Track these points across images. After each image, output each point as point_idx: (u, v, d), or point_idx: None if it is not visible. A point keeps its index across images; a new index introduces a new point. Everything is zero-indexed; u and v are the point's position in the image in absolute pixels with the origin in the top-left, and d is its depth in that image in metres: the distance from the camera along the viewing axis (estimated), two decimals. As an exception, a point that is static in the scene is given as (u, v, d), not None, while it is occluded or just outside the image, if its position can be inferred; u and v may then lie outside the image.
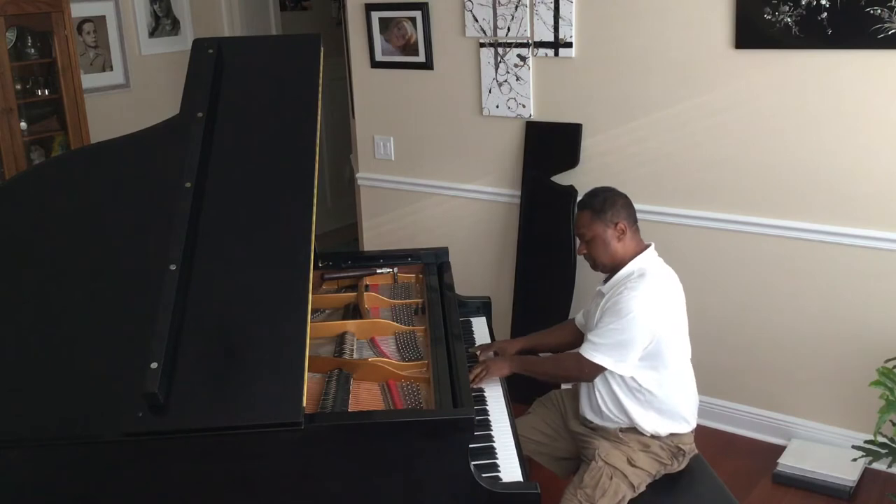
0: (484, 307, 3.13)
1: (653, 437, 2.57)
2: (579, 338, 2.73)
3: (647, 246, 2.60)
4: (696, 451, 2.66)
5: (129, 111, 4.79)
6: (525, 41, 3.68)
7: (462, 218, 4.11)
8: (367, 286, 2.94)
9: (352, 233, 5.45)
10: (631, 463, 2.51)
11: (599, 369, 2.50)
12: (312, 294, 2.14)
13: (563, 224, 3.71)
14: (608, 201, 2.57)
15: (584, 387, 2.65)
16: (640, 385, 2.52)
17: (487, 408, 2.50)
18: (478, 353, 2.77)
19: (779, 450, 3.39)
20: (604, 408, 2.58)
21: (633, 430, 2.58)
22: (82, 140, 4.44)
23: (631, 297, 2.46)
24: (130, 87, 4.98)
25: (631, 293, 2.47)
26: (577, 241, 2.65)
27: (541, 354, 2.86)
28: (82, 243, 2.29)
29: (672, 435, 2.58)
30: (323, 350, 2.53)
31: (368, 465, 1.98)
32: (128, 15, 4.93)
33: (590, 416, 2.64)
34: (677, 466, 2.60)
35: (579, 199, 2.68)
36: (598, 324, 2.51)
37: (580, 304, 3.32)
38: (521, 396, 2.96)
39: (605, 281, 2.63)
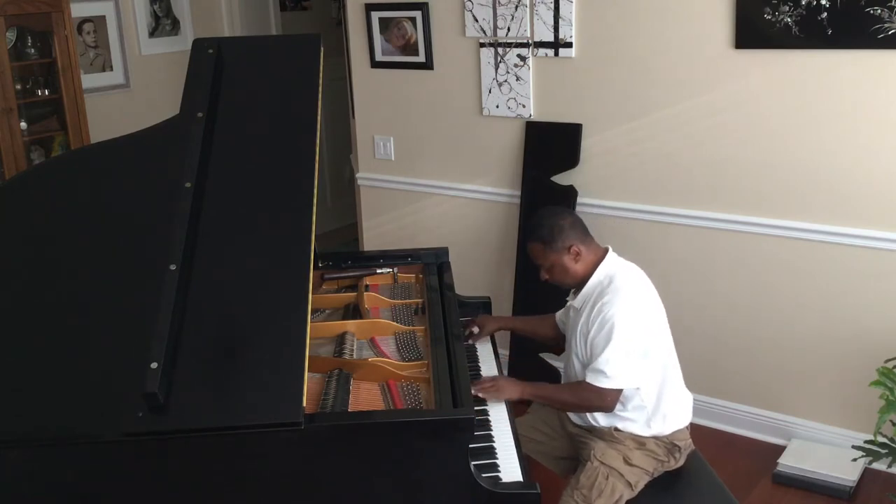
0: (484, 307, 3.13)
1: (647, 435, 2.56)
2: (559, 334, 2.82)
3: (606, 250, 2.59)
4: (693, 447, 2.66)
5: (129, 111, 4.79)
6: (525, 41, 3.68)
7: (462, 218, 4.11)
8: (367, 286, 2.93)
9: (352, 233, 5.45)
10: (627, 462, 2.51)
11: (619, 393, 2.49)
12: (312, 294, 2.14)
13: (563, 224, 3.71)
14: (555, 229, 2.54)
15: None
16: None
17: (487, 408, 2.49)
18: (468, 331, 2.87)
19: (779, 450, 3.39)
20: (588, 416, 2.59)
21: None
22: (82, 140, 4.44)
23: (613, 313, 2.44)
24: (130, 87, 4.98)
25: (611, 308, 2.45)
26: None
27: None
28: (82, 243, 2.29)
29: (666, 432, 2.58)
30: (323, 350, 2.53)
31: (368, 465, 1.98)
32: (128, 15, 4.93)
33: (577, 420, 2.65)
34: (675, 463, 2.60)
35: (549, 220, 2.60)
36: (595, 350, 2.47)
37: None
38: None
39: (574, 293, 2.63)
